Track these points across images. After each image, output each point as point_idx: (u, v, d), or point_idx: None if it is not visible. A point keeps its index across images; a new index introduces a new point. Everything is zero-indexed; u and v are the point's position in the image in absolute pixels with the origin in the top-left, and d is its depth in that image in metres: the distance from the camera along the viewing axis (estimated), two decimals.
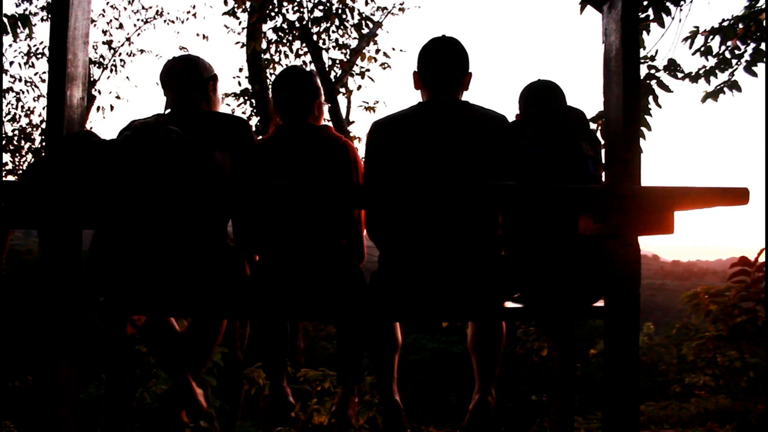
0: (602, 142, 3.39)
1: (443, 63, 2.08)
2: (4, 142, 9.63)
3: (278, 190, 1.77)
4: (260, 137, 2.27)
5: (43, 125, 7.74)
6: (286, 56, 7.77)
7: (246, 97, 8.07)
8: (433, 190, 1.77)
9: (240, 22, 7.78)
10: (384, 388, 2.16)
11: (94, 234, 2.01)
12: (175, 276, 1.96)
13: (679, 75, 3.66)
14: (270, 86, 7.71)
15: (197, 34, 11.55)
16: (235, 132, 2.12)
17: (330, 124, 3.84)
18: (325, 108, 2.36)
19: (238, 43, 7.68)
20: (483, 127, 2.01)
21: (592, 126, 3.70)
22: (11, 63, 9.74)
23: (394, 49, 8.11)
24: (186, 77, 2.18)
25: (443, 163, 1.96)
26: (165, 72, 2.23)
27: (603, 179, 2.19)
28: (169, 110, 2.18)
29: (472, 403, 2.11)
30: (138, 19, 10.64)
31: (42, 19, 9.65)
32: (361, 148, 4.66)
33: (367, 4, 8.89)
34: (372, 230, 2.12)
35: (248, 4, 6.99)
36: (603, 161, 2.25)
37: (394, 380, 2.17)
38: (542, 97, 2.27)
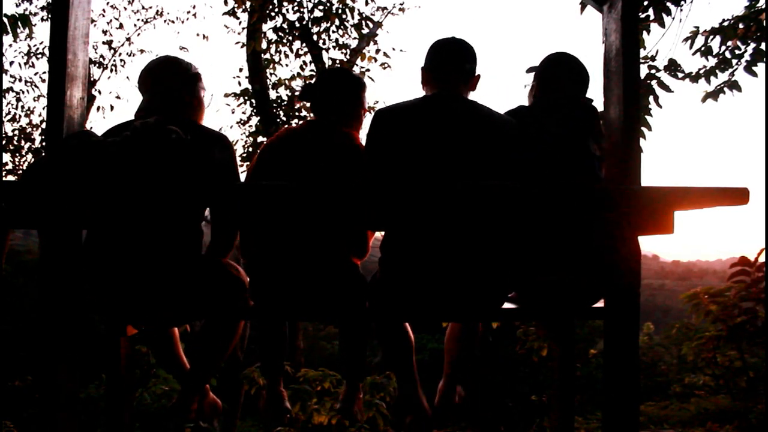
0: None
1: (453, 56, 2.07)
2: (4, 142, 9.63)
3: (279, 191, 1.76)
4: (286, 127, 2.20)
5: (43, 125, 7.75)
6: (286, 56, 7.78)
7: (246, 97, 8.08)
8: (432, 189, 1.76)
9: (240, 22, 7.80)
10: (407, 393, 2.13)
11: (87, 234, 1.96)
12: (176, 277, 1.95)
13: (680, 75, 3.67)
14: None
15: (197, 34, 11.59)
16: (218, 148, 1.98)
17: None
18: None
19: (238, 43, 7.70)
20: (487, 126, 1.99)
21: None
22: (11, 63, 9.76)
23: (394, 49, 8.15)
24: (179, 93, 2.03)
25: (444, 157, 1.94)
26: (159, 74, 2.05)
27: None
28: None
29: (440, 392, 2.21)
30: (138, 19, 10.66)
31: (42, 19, 9.66)
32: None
33: (367, 4, 8.90)
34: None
35: (248, 4, 6.99)
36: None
37: (418, 383, 2.15)
38: (559, 87, 2.17)
